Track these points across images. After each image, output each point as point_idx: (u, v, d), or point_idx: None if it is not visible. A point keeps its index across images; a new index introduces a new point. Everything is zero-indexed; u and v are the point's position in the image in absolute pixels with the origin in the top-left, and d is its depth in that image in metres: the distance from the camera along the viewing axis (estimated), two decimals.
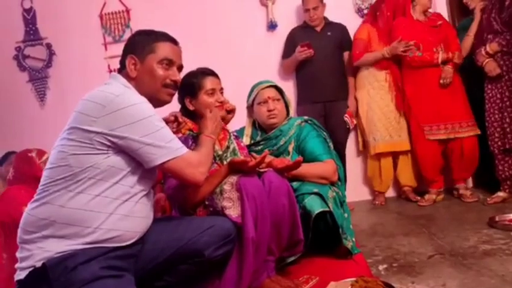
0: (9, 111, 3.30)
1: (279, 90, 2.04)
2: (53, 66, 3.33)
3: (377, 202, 2.99)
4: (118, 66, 1.34)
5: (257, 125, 2.08)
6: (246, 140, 2.05)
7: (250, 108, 2.08)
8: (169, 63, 1.29)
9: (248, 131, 2.08)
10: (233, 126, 1.96)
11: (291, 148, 1.96)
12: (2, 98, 3.29)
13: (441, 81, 2.73)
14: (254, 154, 1.71)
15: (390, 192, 3.15)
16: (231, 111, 1.69)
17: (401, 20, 2.88)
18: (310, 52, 2.87)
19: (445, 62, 2.73)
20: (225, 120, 1.68)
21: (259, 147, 1.98)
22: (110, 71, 3.16)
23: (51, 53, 3.32)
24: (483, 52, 2.58)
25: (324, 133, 2.03)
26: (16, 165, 1.95)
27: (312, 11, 2.94)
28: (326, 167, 1.88)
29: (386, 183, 3.02)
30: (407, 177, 2.99)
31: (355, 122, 3.04)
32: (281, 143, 1.97)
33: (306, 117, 2.06)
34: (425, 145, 2.81)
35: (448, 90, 2.74)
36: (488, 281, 1.52)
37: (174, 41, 1.34)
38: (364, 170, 3.24)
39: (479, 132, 2.75)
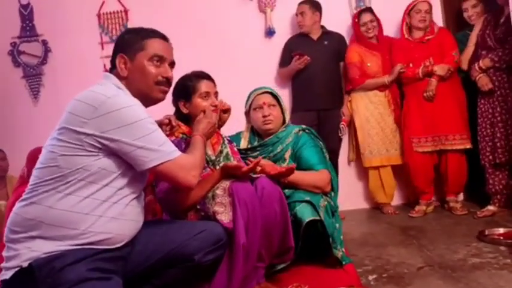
0: (2, 107, 3.27)
1: (275, 96, 2.04)
2: (48, 63, 3.30)
3: (390, 212, 2.94)
4: None
5: (255, 131, 2.08)
6: (243, 144, 2.04)
7: (247, 114, 2.08)
8: (160, 59, 1.27)
9: (246, 135, 2.09)
10: (228, 131, 1.96)
11: (287, 156, 1.96)
12: None
13: (424, 94, 2.78)
14: (251, 159, 1.70)
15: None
16: (227, 111, 1.68)
17: (397, 41, 2.96)
18: (306, 59, 2.88)
19: (429, 75, 2.77)
20: (221, 121, 1.68)
21: (256, 153, 1.98)
22: (106, 71, 3.13)
23: (46, 50, 3.30)
24: (476, 67, 2.62)
25: (321, 143, 2.04)
26: (27, 164, 2.08)
27: (299, 16, 2.98)
28: (320, 176, 1.89)
29: (390, 194, 3.02)
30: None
31: (346, 131, 3.09)
32: (278, 150, 1.97)
33: (303, 126, 2.06)
34: (415, 157, 2.85)
35: (440, 102, 2.77)
36: None
37: (164, 37, 1.31)
38: (356, 179, 3.25)
39: (467, 147, 2.76)
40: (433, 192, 2.95)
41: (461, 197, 3.01)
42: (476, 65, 2.63)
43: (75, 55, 3.23)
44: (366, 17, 2.94)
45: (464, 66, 2.79)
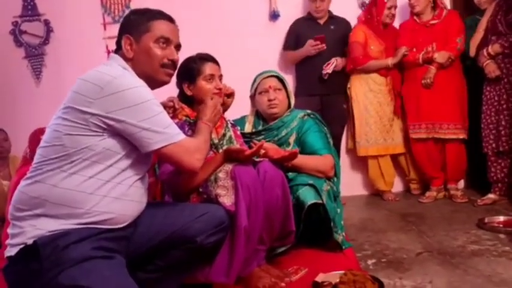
0: (3, 87, 3.25)
1: (281, 80, 2.03)
2: (50, 44, 3.27)
3: (390, 198, 2.96)
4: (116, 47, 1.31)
5: (260, 115, 2.08)
6: (248, 128, 2.04)
7: (253, 97, 2.07)
8: (166, 41, 1.26)
9: (251, 119, 2.08)
10: (233, 115, 1.95)
11: (292, 140, 1.96)
12: None
13: (422, 81, 2.76)
14: (256, 141, 1.70)
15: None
16: (230, 95, 1.67)
17: (404, 23, 2.92)
18: (322, 47, 2.80)
19: (430, 62, 2.73)
20: (225, 105, 1.67)
21: (261, 137, 1.98)
22: (108, 52, 3.10)
23: (48, 30, 3.26)
24: (485, 53, 2.58)
25: (325, 128, 2.04)
26: (30, 145, 2.13)
27: (318, 2, 2.90)
28: (324, 161, 1.89)
29: (390, 182, 3.03)
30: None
31: (330, 71, 2.84)
32: (282, 134, 1.97)
33: (308, 111, 2.06)
34: (416, 144, 2.87)
35: (437, 90, 2.74)
36: (474, 280, 1.55)
37: (170, 19, 1.30)
38: (357, 165, 3.25)
39: (461, 137, 2.74)
40: (444, 178, 2.90)
41: (461, 184, 3.02)
42: (484, 50, 2.58)
43: (78, 35, 3.19)
44: (394, 2, 2.88)
45: (472, 52, 2.73)
